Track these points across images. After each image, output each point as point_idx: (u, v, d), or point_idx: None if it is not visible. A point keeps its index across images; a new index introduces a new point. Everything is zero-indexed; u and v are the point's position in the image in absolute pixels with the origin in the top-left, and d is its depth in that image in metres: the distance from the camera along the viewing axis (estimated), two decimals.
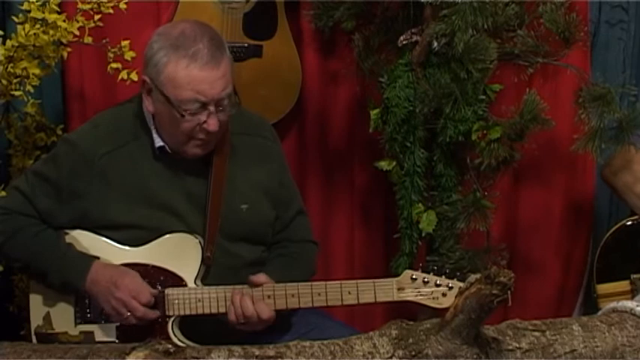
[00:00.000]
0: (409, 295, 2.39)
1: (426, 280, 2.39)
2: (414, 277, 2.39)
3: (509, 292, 1.62)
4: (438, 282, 2.39)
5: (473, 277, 1.63)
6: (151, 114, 2.43)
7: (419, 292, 2.39)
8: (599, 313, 1.70)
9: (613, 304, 1.66)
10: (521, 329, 1.74)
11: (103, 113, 2.59)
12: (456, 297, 1.61)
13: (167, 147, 2.44)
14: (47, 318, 2.43)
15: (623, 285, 2.95)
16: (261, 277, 2.41)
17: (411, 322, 1.77)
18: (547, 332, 1.65)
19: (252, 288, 2.39)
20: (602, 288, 2.99)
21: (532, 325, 1.76)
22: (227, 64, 2.36)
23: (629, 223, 3.00)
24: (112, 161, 2.43)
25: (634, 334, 1.56)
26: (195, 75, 2.31)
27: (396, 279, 2.40)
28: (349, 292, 2.39)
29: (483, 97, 2.78)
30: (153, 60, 2.35)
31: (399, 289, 2.39)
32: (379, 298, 2.40)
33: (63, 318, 2.44)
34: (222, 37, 2.43)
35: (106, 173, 2.42)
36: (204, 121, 2.35)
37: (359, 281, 2.41)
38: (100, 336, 2.42)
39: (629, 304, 1.61)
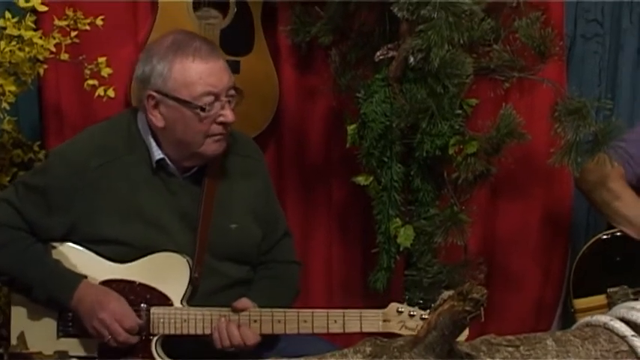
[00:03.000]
0: (394, 327, 2.40)
1: (411, 313, 2.40)
2: (399, 309, 2.41)
3: (481, 308, 1.62)
4: (423, 315, 2.39)
5: (446, 294, 1.63)
6: (159, 130, 2.42)
7: (404, 324, 2.40)
8: (573, 327, 1.70)
9: (587, 319, 1.66)
10: (495, 344, 1.75)
11: (94, 127, 2.59)
12: (429, 314, 1.61)
13: (167, 159, 2.44)
14: (21, 337, 2.42)
15: (600, 299, 2.97)
16: (244, 303, 2.41)
17: (385, 340, 1.77)
18: (521, 347, 1.66)
19: (237, 313, 2.39)
20: (580, 302, 3.01)
21: (506, 340, 1.76)
22: (223, 58, 2.44)
23: (605, 237, 3.01)
24: (104, 174, 2.42)
25: (607, 348, 1.57)
26: (203, 68, 2.36)
27: (382, 310, 2.41)
28: (335, 321, 2.40)
29: (460, 111, 2.79)
30: (155, 72, 2.38)
31: (384, 321, 2.40)
32: (365, 328, 2.41)
33: (39, 337, 2.42)
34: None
35: (97, 186, 2.41)
36: (220, 114, 2.38)
37: (346, 311, 2.41)
38: (81, 350, 2.41)
39: (603, 318, 1.61)
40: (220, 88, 2.38)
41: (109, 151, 2.45)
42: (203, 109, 2.36)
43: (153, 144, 2.44)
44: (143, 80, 2.42)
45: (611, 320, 1.61)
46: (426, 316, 2.35)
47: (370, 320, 2.40)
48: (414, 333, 2.34)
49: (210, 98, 2.37)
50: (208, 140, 2.41)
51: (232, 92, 2.42)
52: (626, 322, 1.61)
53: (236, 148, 2.58)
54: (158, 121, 2.41)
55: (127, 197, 2.42)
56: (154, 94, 2.39)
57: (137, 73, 2.45)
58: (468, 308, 1.60)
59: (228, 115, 2.40)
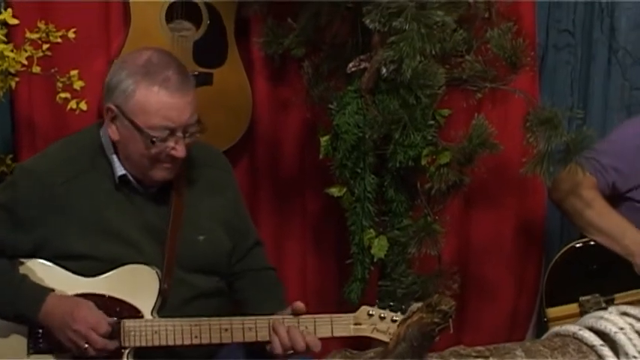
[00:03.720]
0: (366, 330, 2.41)
1: (382, 315, 2.40)
2: (370, 312, 2.41)
3: (450, 319, 1.63)
4: (394, 318, 2.40)
5: (415, 306, 1.64)
6: (115, 142, 2.42)
7: (375, 327, 2.40)
8: (543, 337, 1.71)
9: (556, 329, 1.67)
10: (465, 355, 1.75)
11: (59, 142, 2.57)
12: (398, 325, 1.62)
13: (129, 175, 2.43)
14: None
15: (573, 308, 2.98)
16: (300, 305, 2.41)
17: (355, 351, 1.78)
18: (490, 358, 1.66)
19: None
20: (552, 311, 3.01)
21: (475, 351, 1.77)
22: (193, 92, 2.39)
23: (577, 245, 3.02)
24: (70, 190, 2.40)
25: (576, 358, 1.57)
26: (165, 101, 2.32)
27: (353, 314, 2.41)
28: (306, 327, 2.39)
29: (432, 122, 2.80)
30: (120, 87, 2.35)
31: (355, 324, 2.40)
32: (336, 333, 2.41)
33: (8, 355, 2.39)
34: (185, 66, 2.46)
35: (64, 202, 2.40)
36: (172, 148, 2.35)
37: (316, 316, 2.41)
38: None
39: (572, 327, 1.62)
40: (178, 124, 2.34)
41: (73, 166, 2.43)
42: (153, 142, 2.33)
43: (115, 159, 2.44)
44: (108, 90, 2.39)
45: (580, 330, 1.62)
46: (397, 318, 2.38)
47: (341, 324, 2.40)
48: (385, 336, 2.38)
49: (165, 132, 2.34)
50: (156, 167, 2.40)
51: (192, 129, 2.38)
52: (595, 332, 1.61)
53: (203, 159, 2.57)
54: (114, 134, 2.40)
55: (92, 213, 2.41)
56: (114, 108, 2.37)
57: (106, 80, 2.43)
58: (436, 320, 1.61)
59: (179, 150, 2.36)
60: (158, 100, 2.32)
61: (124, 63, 2.41)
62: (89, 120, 2.91)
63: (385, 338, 2.39)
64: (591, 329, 1.62)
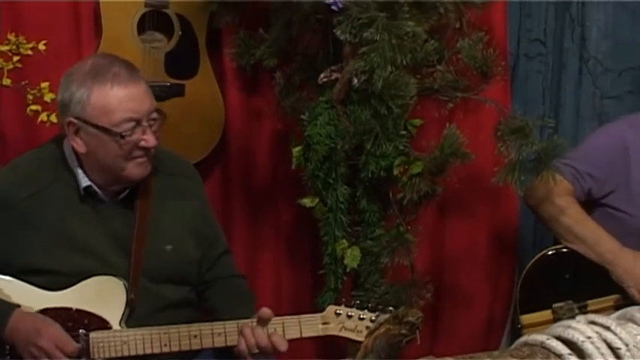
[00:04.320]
0: (334, 329, 2.42)
1: (349, 314, 2.42)
2: (337, 311, 2.42)
3: (417, 331, 1.64)
4: (361, 316, 2.42)
5: (382, 318, 1.65)
6: (82, 155, 2.41)
7: (343, 326, 2.42)
8: (512, 346, 1.71)
9: (525, 338, 1.67)
10: None
11: (21, 157, 2.57)
12: (365, 337, 1.62)
13: (94, 186, 2.42)
14: None
15: (546, 315, 2.98)
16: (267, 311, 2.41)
17: None
18: None
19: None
20: (526, 318, 3.02)
21: None
22: (145, 82, 2.41)
23: (550, 252, 3.03)
24: (34, 205, 2.40)
25: None
26: (122, 94, 2.33)
27: (320, 314, 2.43)
28: (275, 329, 2.40)
29: (404, 132, 2.81)
30: (74, 98, 2.35)
31: (323, 324, 2.42)
32: (305, 333, 2.42)
33: None
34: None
35: (28, 217, 2.39)
36: (142, 139, 2.36)
37: (285, 318, 2.42)
38: None
39: (540, 337, 1.63)
40: (141, 112, 2.35)
41: (36, 181, 2.43)
42: (123, 137, 2.34)
43: (79, 171, 2.43)
44: (63, 107, 2.39)
45: (547, 339, 1.62)
46: (364, 316, 2.41)
47: (310, 325, 2.42)
48: (353, 334, 2.40)
49: (131, 124, 2.34)
50: (130, 164, 2.39)
51: (154, 115, 2.40)
52: (563, 341, 1.62)
53: (168, 168, 2.56)
54: (80, 147, 2.39)
55: (57, 226, 2.40)
56: (74, 120, 2.37)
57: (57, 99, 2.43)
58: (403, 332, 1.61)
59: (149, 139, 2.37)
60: (115, 96, 2.33)
61: (69, 77, 2.41)
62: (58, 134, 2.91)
63: (353, 336, 2.42)
64: (559, 338, 1.62)
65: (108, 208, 2.45)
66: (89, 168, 2.42)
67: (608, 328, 1.63)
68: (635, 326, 1.68)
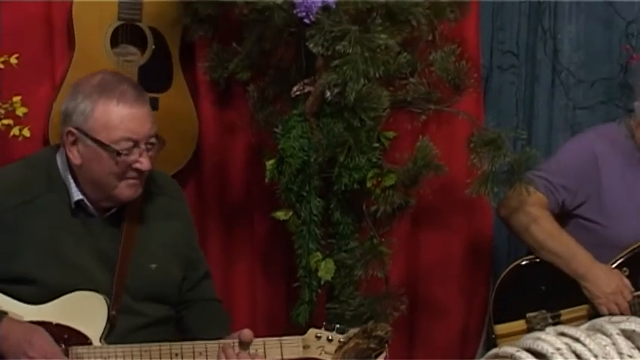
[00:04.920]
0: (314, 352, 2.42)
1: (329, 338, 2.41)
2: (318, 335, 2.42)
3: (386, 345, 1.64)
4: (341, 339, 2.40)
5: (351, 332, 1.64)
6: (76, 166, 2.41)
7: (323, 349, 2.41)
8: (483, 358, 1.72)
9: (495, 350, 1.67)
10: None
11: (12, 165, 2.58)
12: (335, 351, 1.63)
13: (86, 200, 2.43)
14: None
15: (520, 324, 3.00)
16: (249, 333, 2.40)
17: None
18: None
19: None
20: (500, 328, 3.04)
21: None
22: (149, 106, 2.44)
23: (524, 262, 3.05)
24: (22, 214, 2.40)
25: None
26: (126, 113, 2.36)
27: (301, 337, 2.43)
28: (256, 350, 2.40)
29: (377, 144, 2.82)
30: (78, 109, 2.37)
31: (304, 347, 2.42)
32: (286, 355, 2.42)
33: None
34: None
35: (15, 226, 2.39)
36: (137, 160, 2.37)
37: (266, 339, 2.42)
38: None
39: (510, 349, 1.63)
40: (141, 134, 2.37)
41: (27, 190, 2.43)
42: (119, 154, 2.35)
43: (72, 184, 2.43)
44: (66, 116, 2.41)
45: (517, 351, 1.62)
46: (344, 340, 2.40)
47: (291, 347, 2.41)
48: (333, 357, 2.39)
49: (129, 144, 2.36)
50: (122, 184, 2.40)
51: (153, 140, 2.41)
52: (533, 353, 1.62)
53: (157, 188, 2.57)
54: (75, 159, 2.40)
55: (44, 237, 2.40)
56: (74, 131, 2.38)
57: (62, 108, 2.45)
58: (372, 346, 1.62)
59: (144, 162, 2.38)
60: (119, 113, 2.36)
61: (77, 87, 2.43)
62: (34, 147, 2.90)
63: None
64: (529, 350, 1.62)
65: (96, 224, 2.46)
66: (82, 181, 2.43)
67: (577, 340, 1.63)
68: (604, 337, 1.68)
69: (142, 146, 2.38)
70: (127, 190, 2.42)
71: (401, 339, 3.32)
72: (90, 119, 2.36)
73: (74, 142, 2.39)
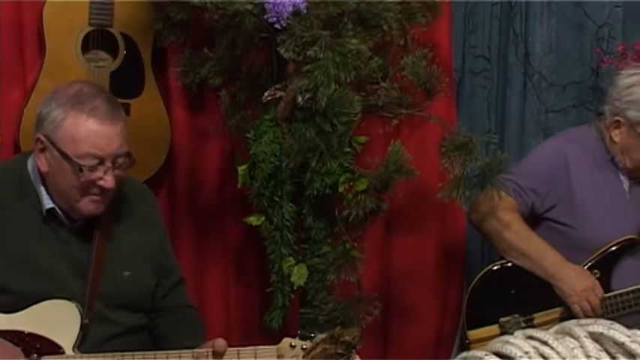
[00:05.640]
0: None
1: (303, 347, 2.40)
2: (292, 344, 2.40)
3: (353, 350, 1.64)
4: (304, 346, 2.40)
5: (319, 337, 1.64)
6: (44, 174, 2.40)
7: (297, 358, 2.41)
8: None
9: (464, 354, 1.68)
10: None
11: None
12: (303, 357, 1.63)
13: (57, 209, 2.41)
14: None
15: (493, 329, 3.01)
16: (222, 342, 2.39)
17: None
18: None
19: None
20: (473, 334, 3.05)
21: None
22: (124, 124, 2.39)
23: (496, 267, 3.07)
24: None
25: None
26: (94, 129, 2.32)
27: (276, 346, 2.40)
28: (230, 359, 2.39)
29: (349, 149, 2.82)
30: (49, 117, 2.35)
31: (279, 357, 2.40)
32: None
33: None
34: (116, 98, 2.46)
35: None
36: (101, 178, 2.34)
37: (240, 348, 2.41)
38: None
39: (479, 353, 1.63)
40: (107, 152, 2.34)
41: (0, 198, 2.41)
42: (82, 170, 2.33)
43: (43, 192, 2.42)
44: (38, 121, 2.39)
45: (486, 355, 1.62)
46: (312, 345, 2.40)
47: (265, 356, 2.40)
48: None
49: (94, 161, 2.33)
50: (86, 199, 2.38)
51: (121, 160, 2.38)
52: (501, 357, 1.63)
53: (130, 195, 2.56)
54: (42, 166, 2.38)
55: (16, 245, 2.39)
56: (43, 138, 2.36)
57: (37, 111, 2.42)
58: (340, 351, 1.62)
59: (108, 181, 2.35)
60: (87, 129, 2.32)
61: (54, 94, 2.40)
62: (5, 153, 2.89)
63: None
64: (498, 354, 1.63)
65: (68, 232, 2.44)
66: (50, 189, 2.41)
67: (545, 343, 1.64)
68: (572, 340, 1.69)
69: (108, 164, 2.35)
70: (89, 205, 2.40)
71: (374, 343, 3.33)
72: (59, 130, 2.34)
73: (43, 150, 2.38)
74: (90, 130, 2.32)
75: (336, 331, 1.58)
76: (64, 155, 2.33)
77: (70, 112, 2.33)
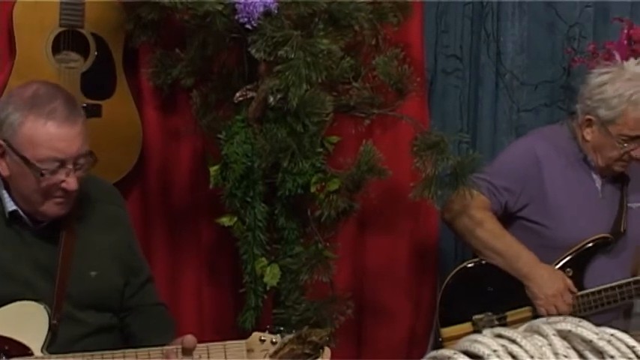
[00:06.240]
0: (258, 356, 2.40)
1: (273, 340, 2.40)
2: (262, 338, 2.40)
3: (321, 350, 1.64)
4: (273, 340, 2.40)
5: (286, 338, 1.65)
6: (5, 178, 2.38)
7: (267, 352, 2.40)
8: None
9: (433, 353, 1.68)
10: None
11: None
12: (270, 357, 1.63)
13: (20, 211, 2.39)
14: None
15: (466, 327, 3.02)
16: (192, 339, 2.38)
17: None
18: None
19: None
20: (447, 332, 3.05)
21: None
22: (83, 123, 2.36)
23: (469, 265, 3.07)
24: None
25: None
26: (53, 133, 2.29)
27: (245, 341, 2.40)
28: (200, 356, 2.38)
29: (321, 149, 2.82)
30: (7, 121, 2.32)
31: (248, 351, 2.40)
32: None
33: None
34: (74, 97, 2.43)
35: None
36: (63, 180, 2.32)
37: (209, 344, 2.40)
38: None
39: (447, 352, 1.64)
40: (68, 155, 2.32)
41: None
42: (42, 174, 2.31)
43: (5, 195, 2.40)
44: None
45: (454, 354, 1.63)
46: (279, 346, 2.39)
47: (234, 351, 2.39)
48: None
49: (55, 164, 2.31)
50: (49, 202, 2.37)
51: (82, 161, 2.36)
52: (470, 355, 1.63)
53: (96, 194, 2.55)
54: (3, 170, 2.36)
55: None
56: (2, 143, 2.34)
57: None
58: (307, 351, 1.62)
59: (71, 183, 2.33)
60: (45, 132, 2.30)
61: (11, 97, 2.38)
62: None
63: None
64: (466, 353, 1.63)
65: (33, 233, 2.43)
66: (13, 193, 2.40)
67: (514, 341, 1.65)
68: (540, 338, 1.69)
69: (69, 166, 2.33)
70: (53, 207, 2.38)
71: (348, 343, 3.33)
72: (17, 134, 2.31)
73: (3, 154, 2.35)
74: (49, 134, 2.30)
75: (303, 332, 1.58)
76: (24, 160, 2.31)
77: (27, 116, 2.30)
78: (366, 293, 3.41)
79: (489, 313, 3.04)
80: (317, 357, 1.59)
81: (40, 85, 2.40)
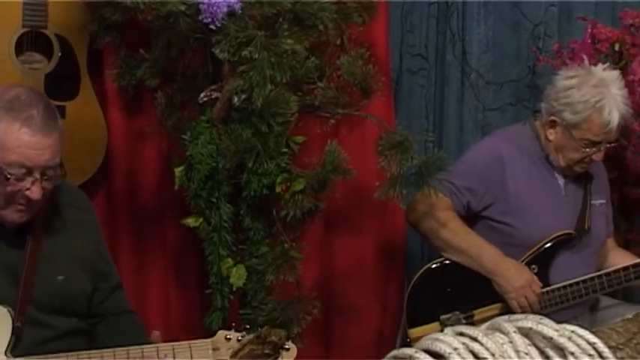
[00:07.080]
0: (224, 354, 2.39)
1: (239, 338, 2.39)
2: (228, 336, 2.39)
3: (280, 350, 1.64)
4: (237, 336, 2.41)
5: (246, 338, 1.64)
6: None
7: (233, 350, 2.40)
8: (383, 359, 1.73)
9: (394, 352, 1.69)
10: None
11: None
12: (230, 357, 1.63)
13: None
14: None
15: (434, 327, 3.02)
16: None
17: None
18: None
19: None
20: (415, 332, 3.06)
21: None
22: (58, 135, 2.33)
23: (435, 265, 3.08)
24: None
25: None
26: (25, 140, 2.27)
27: (211, 339, 2.40)
28: (166, 355, 2.37)
29: (286, 149, 2.82)
30: None
31: (214, 349, 2.39)
32: (195, 358, 2.38)
33: None
34: (55, 108, 2.41)
35: None
36: (28, 188, 2.30)
37: (175, 344, 2.39)
38: None
39: (409, 350, 1.64)
40: (36, 164, 2.29)
41: None
42: (7, 179, 2.29)
43: None
44: None
45: (416, 352, 1.63)
46: (239, 346, 2.39)
47: (200, 350, 2.38)
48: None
49: (22, 171, 2.29)
50: (10, 208, 2.35)
51: (50, 172, 2.33)
52: (431, 354, 1.64)
53: (65, 199, 2.53)
54: None
55: None
56: None
57: None
58: (267, 351, 1.62)
59: (34, 192, 2.31)
60: (18, 138, 2.27)
61: None
62: None
63: None
64: (427, 351, 1.64)
65: (0, 235, 2.41)
66: None
67: (475, 339, 1.66)
68: (502, 335, 1.70)
69: (36, 175, 2.30)
70: (13, 214, 2.36)
71: (317, 343, 3.33)
72: None
73: None
74: (21, 140, 2.28)
75: (262, 332, 1.58)
76: None
77: (3, 119, 2.28)
78: (334, 293, 3.41)
79: (457, 312, 3.05)
80: (277, 357, 1.59)
81: (23, 90, 2.37)
